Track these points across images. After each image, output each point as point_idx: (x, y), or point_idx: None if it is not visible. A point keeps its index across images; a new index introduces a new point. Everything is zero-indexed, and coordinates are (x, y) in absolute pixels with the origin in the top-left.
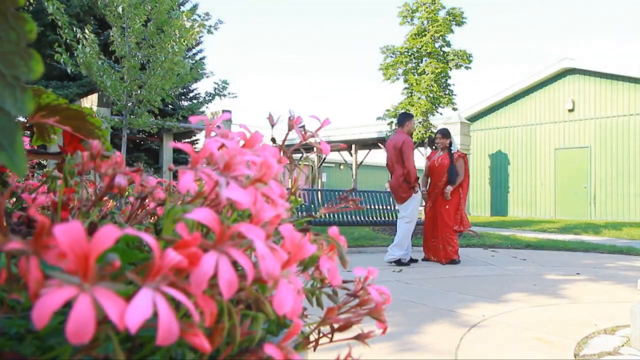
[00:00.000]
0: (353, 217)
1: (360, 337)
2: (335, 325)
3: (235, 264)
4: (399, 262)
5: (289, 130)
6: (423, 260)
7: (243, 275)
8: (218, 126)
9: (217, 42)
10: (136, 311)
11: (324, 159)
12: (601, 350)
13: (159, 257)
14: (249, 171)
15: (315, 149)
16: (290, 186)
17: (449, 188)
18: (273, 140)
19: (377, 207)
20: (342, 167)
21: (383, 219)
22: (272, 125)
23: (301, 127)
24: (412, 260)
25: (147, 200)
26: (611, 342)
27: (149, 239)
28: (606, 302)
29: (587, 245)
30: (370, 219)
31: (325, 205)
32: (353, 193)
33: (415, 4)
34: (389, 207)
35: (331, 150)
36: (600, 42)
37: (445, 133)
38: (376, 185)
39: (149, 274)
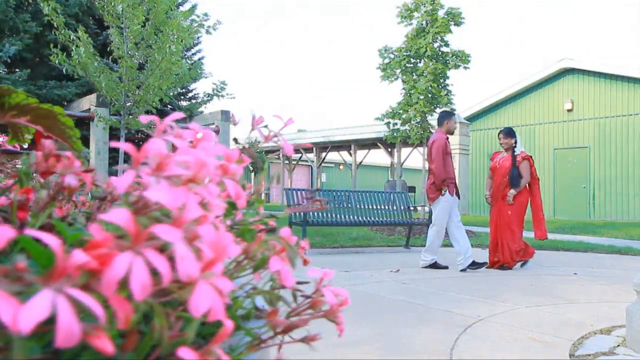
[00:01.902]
0: (351, 217)
1: (306, 340)
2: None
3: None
4: (434, 266)
5: (252, 129)
6: (488, 267)
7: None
8: (171, 126)
9: (216, 42)
10: (31, 312)
11: (324, 158)
12: (596, 350)
13: (62, 258)
14: (185, 171)
15: (314, 149)
16: (289, 185)
17: (512, 192)
18: (235, 140)
19: (375, 207)
20: (341, 167)
21: (381, 219)
22: (234, 124)
23: (264, 127)
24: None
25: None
26: (607, 343)
27: (49, 239)
28: (603, 302)
29: (585, 245)
30: (369, 219)
31: (292, 206)
32: (351, 194)
33: (414, 4)
34: (387, 207)
35: (297, 151)
36: (599, 42)
37: (508, 132)
38: (376, 186)
39: (52, 275)
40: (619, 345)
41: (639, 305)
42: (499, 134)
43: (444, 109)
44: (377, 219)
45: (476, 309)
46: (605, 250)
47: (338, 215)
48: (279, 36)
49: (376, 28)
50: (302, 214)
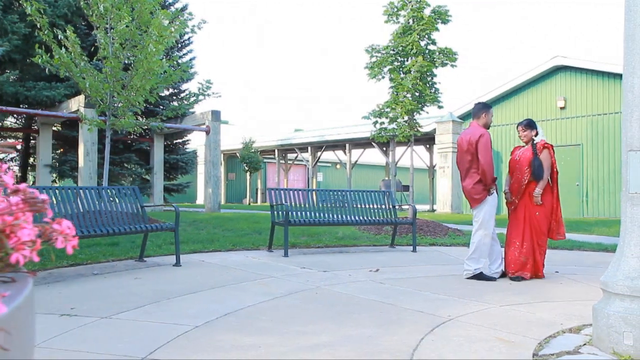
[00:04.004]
0: (336, 216)
1: None
2: None
3: None
4: (480, 277)
5: None
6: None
7: None
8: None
9: (210, 42)
10: None
11: (318, 158)
12: (561, 349)
13: None
14: None
15: (310, 148)
16: (286, 185)
17: (538, 191)
18: None
19: (365, 206)
20: (338, 166)
21: (367, 218)
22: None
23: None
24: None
25: None
26: (573, 341)
27: None
28: (578, 301)
29: (572, 243)
30: (354, 218)
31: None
32: (336, 193)
33: (400, 2)
34: (383, 207)
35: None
36: (592, 39)
37: (528, 124)
38: (373, 185)
39: None
40: (585, 344)
41: (605, 304)
42: (517, 126)
43: (480, 102)
44: (362, 218)
45: (448, 309)
46: (593, 248)
47: (322, 215)
48: (277, 35)
49: (371, 26)
50: (284, 213)
